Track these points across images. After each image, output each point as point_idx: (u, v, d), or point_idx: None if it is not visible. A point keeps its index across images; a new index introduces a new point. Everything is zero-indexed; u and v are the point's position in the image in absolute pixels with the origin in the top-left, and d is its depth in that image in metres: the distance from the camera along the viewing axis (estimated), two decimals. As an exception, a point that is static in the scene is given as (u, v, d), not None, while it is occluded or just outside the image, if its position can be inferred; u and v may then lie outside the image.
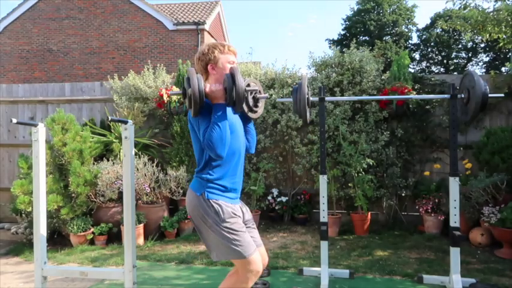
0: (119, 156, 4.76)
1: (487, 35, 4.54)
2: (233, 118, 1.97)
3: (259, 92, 2.14)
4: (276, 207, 5.03)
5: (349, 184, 4.70)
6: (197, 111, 1.82)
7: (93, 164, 4.57)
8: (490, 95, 2.68)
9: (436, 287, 2.95)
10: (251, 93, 2.06)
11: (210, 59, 1.98)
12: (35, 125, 2.45)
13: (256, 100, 2.11)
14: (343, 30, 25.12)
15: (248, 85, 2.04)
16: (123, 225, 3.96)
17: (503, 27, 4.33)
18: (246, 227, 1.99)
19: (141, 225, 4.27)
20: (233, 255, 1.87)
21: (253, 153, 2.23)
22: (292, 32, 53.95)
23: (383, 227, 4.67)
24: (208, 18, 14.74)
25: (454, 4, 4.91)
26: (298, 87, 3.02)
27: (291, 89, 4.99)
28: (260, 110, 2.17)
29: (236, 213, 1.93)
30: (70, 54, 14.71)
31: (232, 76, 1.83)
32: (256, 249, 1.92)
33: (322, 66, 5.14)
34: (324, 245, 3.01)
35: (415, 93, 4.67)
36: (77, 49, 14.68)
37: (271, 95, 5.00)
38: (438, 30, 23.02)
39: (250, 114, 2.09)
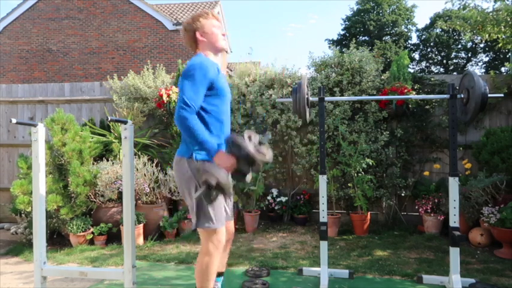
0: (118, 156, 4.76)
1: (487, 35, 4.54)
2: (223, 83, 2.09)
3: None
4: (276, 207, 5.03)
5: (349, 184, 4.70)
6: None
7: (93, 164, 4.57)
8: (489, 95, 2.68)
9: (436, 287, 2.95)
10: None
11: (197, 27, 2.09)
12: (35, 125, 2.45)
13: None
14: (342, 30, 25.18)
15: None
16: (122, 225, 3.97)
17: (502, 27, 4.34)
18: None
19: (141, 225, 4.27)
20: (205, 223, 1.97)
21: None
22: (292, 32, 53.98)
23: (382, 227, 4.67)
24: (208, 18, 14.73)
25: (453, 4, 4.92)
26: (298, 87, 3.03)
27: (290, 89, 4.99)
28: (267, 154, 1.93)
29: None
30: (70, 54, 14.70)
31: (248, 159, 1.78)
32: (224, 224, 2.05)
33: (321, 66, 5.13)
34: (324, 245, 3.01)
35: (414, 93, 4.67)
36: (77, 49, 14.67)
37: (271, 94, 5.00)
38: (438, 31, 23.06)
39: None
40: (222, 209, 2.04)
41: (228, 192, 1.89)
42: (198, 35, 2.09)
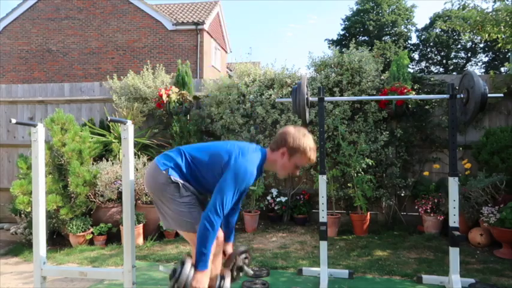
0: (118, 156, 4.76)
1: (486, 35, 4.54)
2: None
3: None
4: (275, 207, 5.02)
5: (349, 184, 4.70)
6: None
7: (93, 164, 4.57)
8: (489, 95, 2.69)
9: (436, 287, 2.95)
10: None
11: (292, 151, 2.09)
12: (34, 125, 2.45)
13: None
14: (342, 30, 25.17)
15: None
16: (122, 225, 3.97)
17: (502, 27, 4.34)
18: None
19: (141, 225, 4.27)
20: (184, 227, 2.10)
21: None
22: (291, 32, 54.00)
23: (382, 227, 4.67)
24: (207, 18, 14.75)
25: (452, 5, 4.91)
26: (298, 87, 3.03)
27: (290, 89, 4.99)
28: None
29: (193, 191, 2.13)
30: (69, 54, 14.70)
31: None
32: None
33: (321, 66, 5.13)
34: (323, 245, 3.02)
35: (414, 93, 4.67)
36: (76, 49, 14.68)
37: (271, 95, 5.00)
38: (437, 31, 23.06)
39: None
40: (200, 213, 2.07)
41: None
42: (285, 152, 2.11)
